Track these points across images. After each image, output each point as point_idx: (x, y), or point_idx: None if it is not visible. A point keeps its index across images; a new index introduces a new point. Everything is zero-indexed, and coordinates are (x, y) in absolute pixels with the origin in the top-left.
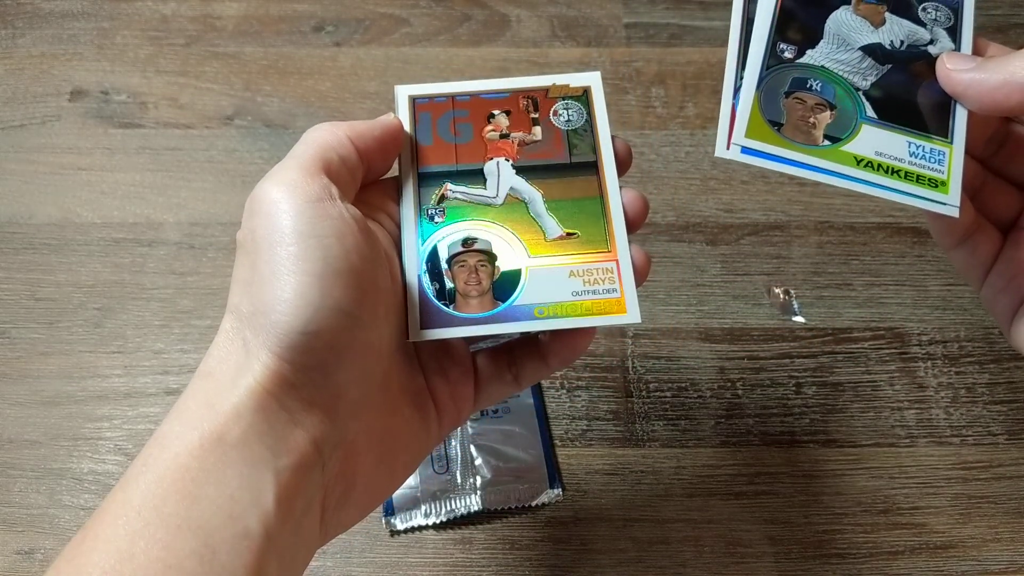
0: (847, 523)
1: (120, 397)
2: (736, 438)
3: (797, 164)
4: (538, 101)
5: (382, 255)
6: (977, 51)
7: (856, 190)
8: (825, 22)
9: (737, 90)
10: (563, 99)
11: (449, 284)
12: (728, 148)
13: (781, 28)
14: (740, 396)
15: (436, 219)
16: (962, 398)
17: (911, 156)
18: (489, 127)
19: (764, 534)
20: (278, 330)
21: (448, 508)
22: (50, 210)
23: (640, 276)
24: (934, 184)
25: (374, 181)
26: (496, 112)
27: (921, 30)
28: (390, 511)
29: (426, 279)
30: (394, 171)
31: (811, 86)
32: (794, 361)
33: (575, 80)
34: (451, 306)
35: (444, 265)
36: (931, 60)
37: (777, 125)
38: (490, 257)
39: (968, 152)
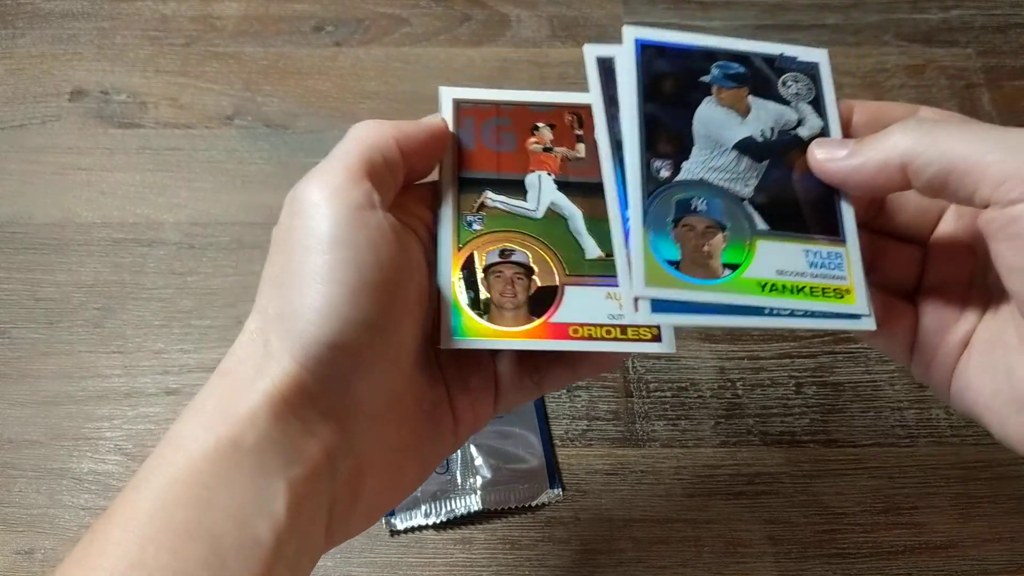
0: (847, 523)
1: (120, 397)
2: (736, 438)
3: (708, 311)
4: (583, 118)
5: (414, 266)
6: (845, 119)
7: (770, 326)
8: (692, 124)
9: (627, 233)
10: None
11: (484, 294)
12: (636, 309)
13: (651, 143)
14: (740, 396)
15: (475, 226)
16: None
17: (810, 267)
18: (533, 139)
19: (764, 534)
20: (303, 339)
21: (448, 508)
22: (50, 210)
23: None
24: (839, 295)
25: (411, 185)
26: (540, 125)
27: (787, 110)
28: (390, 511)
29: (461, 286)
30: (432, 176)
31: (696, 207)
32: (794, 361)
33: None
34: (484, 316)
35: (480, 274)
36: (804, 146)
37: (673, 264)
38: (527, 270)
39: None
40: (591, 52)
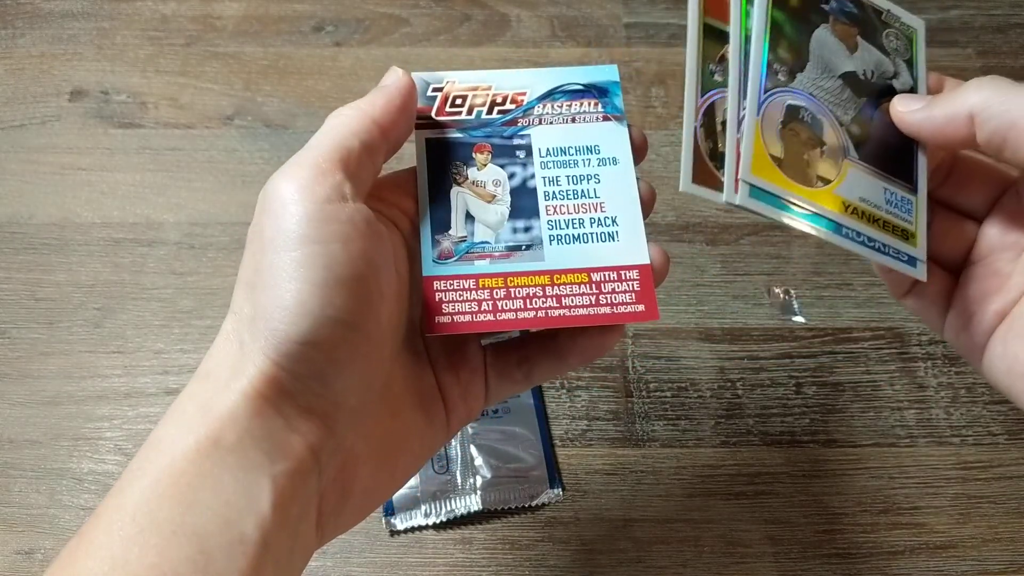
0: (847, 523)
1: (120, 397)
2: (736, 438)
3: (799, 214)
4: None
5: (389, 258)
6: (935, 88)
7: (843, 246)
8: (810, 41)
9: (740, 120)
10: None
11: (722, 147)
12: (736, 191)
13: (773, 44)
14: (740, 396)
15: (716, 76)
16: (962, 398)
17: (887, 204)
18: None
19: (764, 534)
20: (276, 338)
21: (448, 508)
22: (50, 210)
23: (659, 277)
24: (905, 236)
25: (390, 177)
26: None
27: (886, 61)
28: (390, 511)
29: (701, 133)
30: (411, 161)
31: (803, 117)
32: (794, 361)
33: None
34: (721, 169)
35: (719, 126)
36: (895, 95)
37: (777, 160)
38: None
39: None
40: None
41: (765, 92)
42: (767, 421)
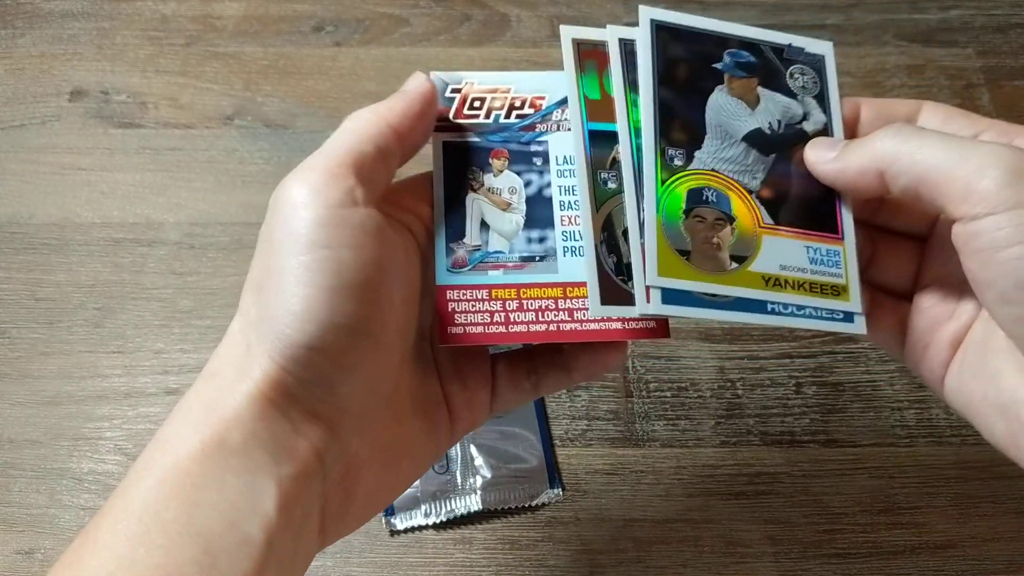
0: (847, 523)
1: (120, 397)
2: (736, 438)
3: (717, 306)
4: None
5: (400, 264)
6: (853, 116)
7: (771, 324)
8: (704, 112)
9: (641, 224)
10: None
11: (628, 259)
12: (648, 300)
13: (665, 130)
14: (740, 396)
15: (610, 184)
16: None
17: (812, 264)
18: None
19: (764, 534)
20: (282, 342)
21: (448, 508)
22: (50, 210)
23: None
24: (835, 292)
25: (406, 182)
26: None
27: (794, 104)
28: (390, 511)
29: (603, 250)
30: (426, 165)
31: (707, 198)
32: (794, 361)
33: None
34: (629, 282)
35: (620, 238)
36: (807, 140)
37: (684, 254)
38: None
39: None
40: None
41: (663, 184)
42: (767, 421)
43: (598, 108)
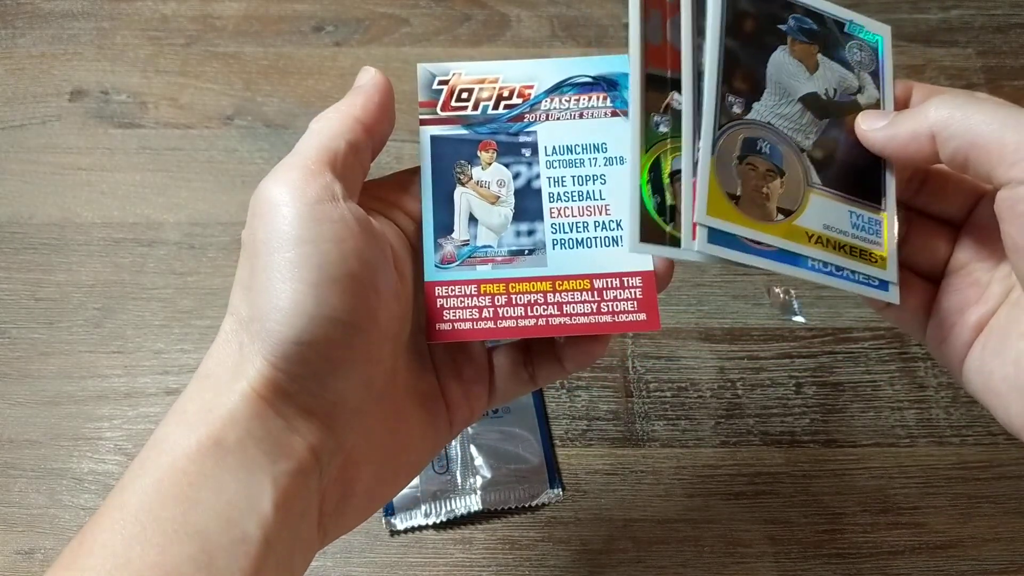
0: (847, 523)
1: (120, 397)
2: (736, 438)
3: (759, 253)
4: None
5: (387, 256)
6: (902, 97)
7: (810, 279)
8: (766, 67)
9: (695, 163)
10: None
11: (671, 200)
12: (694, 238)
13: (728, 77)
14: (740, 396)
15: (661, 128)
16: (962, 398)
17: (853, 228)
18: None
19: (764, 534)
20: (272, 339)
21: (448, 508)
22: (50, 210)
23: (662, 283)
24: (873, 260)
25: (393, 178)
26: None
27: (850, 75)
28: (390, 511)
29: (647, 190)
30: (412, 161)
31: (761, 148)
32: (794, 361)
33: None
34: (671, 223)
35: (666, 180)
36: (860, 112)
37: (734, 198)
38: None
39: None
40: None
41: (720, 128)
42: (767, 421)
43: (657, 54)
